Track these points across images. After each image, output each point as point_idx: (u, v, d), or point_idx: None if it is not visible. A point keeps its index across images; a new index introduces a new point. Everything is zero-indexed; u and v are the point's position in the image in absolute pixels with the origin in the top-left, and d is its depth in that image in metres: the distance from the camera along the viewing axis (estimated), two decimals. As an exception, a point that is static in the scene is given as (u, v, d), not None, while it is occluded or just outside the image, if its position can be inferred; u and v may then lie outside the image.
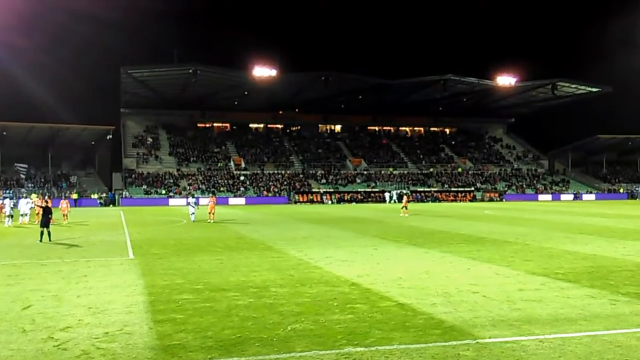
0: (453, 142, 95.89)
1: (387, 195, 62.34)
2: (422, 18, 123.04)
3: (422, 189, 77.80)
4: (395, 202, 55.85)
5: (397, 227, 29.57)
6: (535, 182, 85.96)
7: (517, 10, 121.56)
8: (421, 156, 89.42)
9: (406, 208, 40.80)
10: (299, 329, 9.09)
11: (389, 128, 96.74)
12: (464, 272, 14.64)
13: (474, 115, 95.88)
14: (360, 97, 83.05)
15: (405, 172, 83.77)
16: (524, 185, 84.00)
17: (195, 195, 48.21)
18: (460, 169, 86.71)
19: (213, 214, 33.60)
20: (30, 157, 73.89)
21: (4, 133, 67.74)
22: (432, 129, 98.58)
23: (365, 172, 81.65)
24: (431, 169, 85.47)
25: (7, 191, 60.75)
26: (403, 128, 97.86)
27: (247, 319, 9.69)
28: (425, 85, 79.42)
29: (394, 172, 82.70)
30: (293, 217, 39.61)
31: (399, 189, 74.03)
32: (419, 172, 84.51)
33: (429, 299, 11.22)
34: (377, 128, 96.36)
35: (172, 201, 65.90)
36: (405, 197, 43.95)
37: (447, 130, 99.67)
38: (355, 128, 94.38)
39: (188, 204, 34.04)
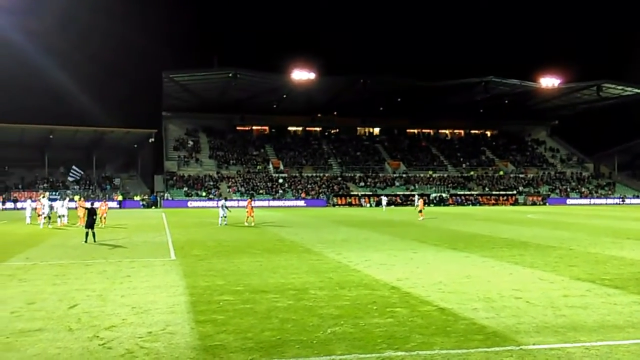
0: (494, 145, 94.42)
1: (383, 200, 60.20)
2: (462, 19, 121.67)
3: (462, 193, 76.83)
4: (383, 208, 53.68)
5: (437, 231, 29.24)
6: (579, 185, 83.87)
7: (562, 10, 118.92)
8: (461, 159, 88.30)
9: (421, 211, 40.43)
10: (339, 332, 9.07)
11: (428, 131, 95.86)
12: (506, 277, 14.37)
13: (516, 117, 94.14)
14: (399, 99, 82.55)
15: (445, 175, 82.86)
16: (568, 189, 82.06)
17: (228, 199, 48.68)
18: (501, 172, 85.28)
19: (252, 216, 33.81)
20: (76, 160, 75.93)
21: (51, 136, 69.84)
22: (472, 131, 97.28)
23: (404, 175, 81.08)
24: (472, 172, 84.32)
25: (54, 193, 62.57)
26: (443, 131, 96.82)
27: (286, 321, 9.72)
28: (465, 88, 78.46)
29: (434, 175, 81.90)
30: (331, 219, 39.61)
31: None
32: (459, 175, 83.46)
33: (471, 304, 11.05)
34: (416, 131, 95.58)
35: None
36: (420, 200, 43.46)
37: (488, 133, 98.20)
38: (394, 131, 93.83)
39: (219, 207, 34.14)
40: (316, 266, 16.18)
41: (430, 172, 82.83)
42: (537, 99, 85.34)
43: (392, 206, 68.43)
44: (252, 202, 36.35)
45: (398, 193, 74.32)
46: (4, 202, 61.55)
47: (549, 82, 76.45)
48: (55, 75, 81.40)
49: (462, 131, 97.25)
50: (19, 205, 60.53)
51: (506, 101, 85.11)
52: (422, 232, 28.21)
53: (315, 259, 17.68)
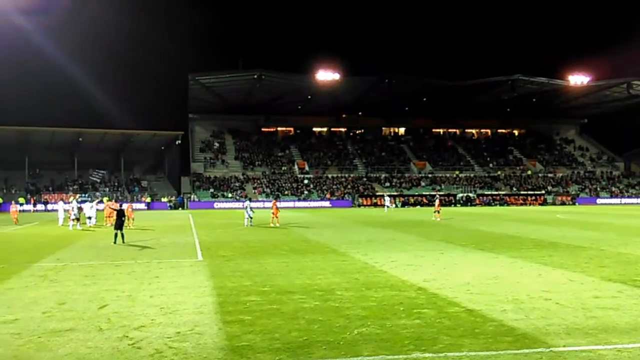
0: (522, 144, 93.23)
1: (387, 199, 56.29)
2: (488, 17, 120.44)
3: (489, 193, 76.00)
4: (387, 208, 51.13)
5: (464, 231, 28.98)
6: (610, 185, 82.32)
7: (589, 6, 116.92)
8: (488, 159, 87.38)
9: (438, 212, 40.15)
10: (366, 333, 9.05)
11: (454, 130, 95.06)
12: (535, 278, 14.17)
13: (544, 116, 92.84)
14: (424, 99, 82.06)
15: (472, 175, 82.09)
16: (598, 188, 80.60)
17: (252, 200, 49.00)
18: (529, 172, 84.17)
19: (277, 217, 34.00)
20: (104, 162, 77.17)
21: (80, 139, 71.11)
22: (499, 130, 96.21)
23: (430, 175, 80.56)
24: (499, 172, 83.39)
25: (83, 195, 63.64)
26: (469, 130, 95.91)
27: (313, 322, 9.73)
28: (492, 86, 77.65)
29: (460, 175, 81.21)
30: (357, 220, 39.54)
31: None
32: (486, 175, 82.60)
33: (499, 306, 10.93)
34: (442, 130, 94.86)
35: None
36: (437, 201, 43.11)
37: (516, 132, 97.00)
38: (419, 131, 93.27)
39: (245, 207, 34.40)
40: (342, 267, 16.16)
41: (457, 172, 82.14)
42: (565, 97, 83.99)
43: (418, 206, 68.04)
44: (277, 203, 36.50)
45: (424, 193, 73.84)
46: (35, 204, 62.79)
47: (577, 80, 75.18)
48: (83, 80, 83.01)
49: (489, 130, 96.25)
50: (49, 207, 61.74)
51: (534, 100, 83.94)
52: (449, 233, 27.99)
53: (341, 260, 17.66)
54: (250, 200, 40.52)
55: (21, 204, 62.06)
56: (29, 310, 10.74)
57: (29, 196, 65.74)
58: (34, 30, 76.75)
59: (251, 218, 33.58)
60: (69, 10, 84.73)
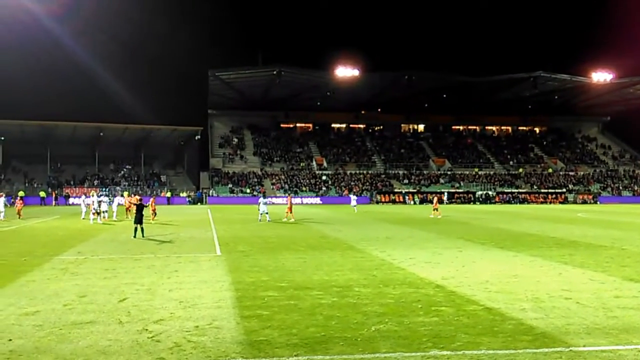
0: (543, 142, 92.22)
1: (352, 199, 47.31)
2: (510, 12, 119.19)
3: (509, 190, 75.32)
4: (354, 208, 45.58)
5: (483, 229, 28.77)
6: (632, 183, 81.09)
7: (613, 2, 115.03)
8: (509, 156, 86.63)
9: (437, 210, 39.97)
10: (383, 329, 9.03)
11: (474, 127, 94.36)
12: (555, 277, 14.02)
13: (566, 113, 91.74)
14: (444, 95, 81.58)
15: (492, 172, 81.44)
16: (621, 187, 79.44)
17: (267, 195, 49.37)
18: (550, 170, 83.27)
19: (292, 213, 34.60)
20: (125, 156, 77.91)
21: (101, 134, 71.89)
22: (520, 128, 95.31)
23: (449, 173, 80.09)
24: (519, 170, 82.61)
25: (103, 189, 64.35)
26: (489, 127, 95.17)
27: (331, 318, 9.74)
28: (513, 83, 76.96)
29: (480, 173, 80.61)
30: (375, 217, 39.45)
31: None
32: (506, 172, 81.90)
33: (518, 304, 10.83)
34: (461, 127, 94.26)
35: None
36: (435, 198, 42.94)
37: (537, 129, 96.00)
38: (439, 127, 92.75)
39: (259, 203, 34.64)
40: (360, 263, 16.14)
41: (476, 170, 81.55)
42: (588, 94, 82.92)
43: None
44: (292, 199, 36.83)
45: (443, 190, 73.44)
46: (56, 198, 63.65)
47: (600, 77, 74.14)
48: (103, 76, 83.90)
49: (509, 128, 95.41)
50: (70, 201, 62.56)
51: (556, 97, 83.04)
52: (468, 230, 27.80)
53: (359, 256, 17.64)
54: (264, 196, 40.81)
55: (42, 197, 63.12)
56: (50, 303, 10.89)
57: (50, 190, 66.61)
58: (57, 27, 77.86)
59: (266, 213, 33.47)
60: (91, 7, 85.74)
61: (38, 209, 51.25)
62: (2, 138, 71.34)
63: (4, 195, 32.75)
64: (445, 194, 69.95)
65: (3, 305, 10.67)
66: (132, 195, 36.97)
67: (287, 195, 42.51)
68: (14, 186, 66.86)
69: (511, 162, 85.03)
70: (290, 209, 34.85)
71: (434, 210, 40.07)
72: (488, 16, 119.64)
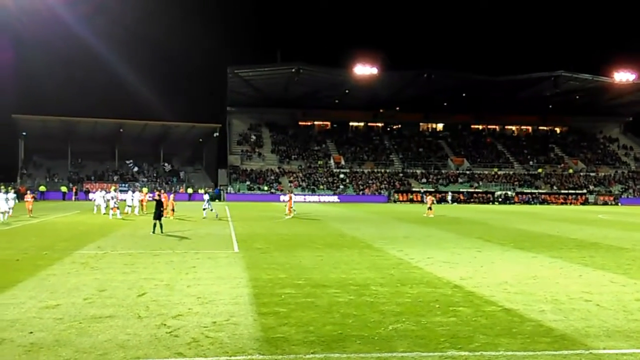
0: (564, 142, 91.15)
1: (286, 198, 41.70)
2: (531, 11, 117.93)
3: (529, 191, 74.60)
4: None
5: (503, 230, 28.55)
6: (655, 185, 79.83)
7: (636, 1, 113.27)
8: (528, 156, 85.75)
9: (430, 209, 39.91)
10: (401, 329, 9.00)
11: (493, 127, 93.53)
12: (575, 278, 13.87)
13: (587, 113, 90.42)
14: (463, 94, 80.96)
15: (511, 172, 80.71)
16: (642, 189, 78.27)
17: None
18: (571, 170, 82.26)
19: (292, 209, 35.95)
20: (144, 153, 78.55)
21: (121, 130, 72.55)
22: (540, 127, 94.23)
23: (467, 172, 79.54)
24: (539, 170, 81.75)
25: (123, 185, 64.99)
26: (509, 127, 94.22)
27: (347, 316, 9.73)
28: (533, 83, 76.13)
29: (499, 173, 79.93)
30: (393, 216, 39.34)
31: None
32: (526, 172, 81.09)
33: (538, 306, 10.74)
34: (481, 127, 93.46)
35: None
36: (429, 198, 42.91)
37: (557, 129, 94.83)
38: (457, 126, 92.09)
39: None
40: (377, 262, 16.11)
41: (495, 169, 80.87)
42: (610, 94, 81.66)
43: (455, 203, 67.36)
44: (293, 197, 38.52)
45: (462, 190, 73.00)
46: (77, 193, 64.40)
47: (623, 77, 73.05)
48: (124, 72, 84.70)
49: (529, 127, 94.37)
50: (90, 196, 63.24)
51: (577, 97, 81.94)
52: (487, 231, 27.61)
53: (376, 255, 17.60)
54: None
55: (63, 192, 63.94)
56: (70, 296, 11.03)
57: (70, 185, 67.44)
58: (78, 24, 78.71)
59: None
60: (112, 5, 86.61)
61: (59, 204, 51.91)
62: (24, 133, 72.30)
63: (11, 190, 32.82)
64: (450, 194, 69.74)
65: (24, 298, 10.83)
66: (161, 191, 37.10)
67: (289, 193, 42.76)
68: (35, 181, 67.84)
69: (531, 162, 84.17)
70: (290, 205, 36.26)
71: (427, 209, 40.01)
72: (509, 14, 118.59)
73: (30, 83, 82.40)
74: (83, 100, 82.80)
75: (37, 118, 69.07)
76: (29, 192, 37.59)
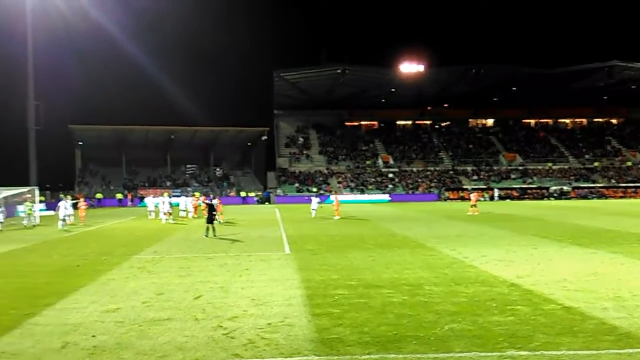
0: (621, 134, 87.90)
1: (314, 201, 37.74)
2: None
3: (585, 185, 72.28)
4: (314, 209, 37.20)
5: (559, 226, 27.75)
6: None
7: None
8: (584, 150, 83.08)
9: (475, 206, 38.61)
10: (457, 328, 8.86)
11: (546, 120, 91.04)
12: (638, 274, 13.37)
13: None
14: (514, 88, 79.21)
15: (566, 167, 78.40)
16: None
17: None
18: (629, 163, 79.21)
19: (338, 210, 35.56)
20: (195, 158, 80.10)
21: (172, 137, 74.25)
22: (595, 119, 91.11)
23: (520, 168, 77.71)
24: (595, 163, 79.08)
25: (176, 190, 66.47)
26: (562, 120, 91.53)
27: (402, 317, 9.64)
28: (586, 74, 73.79)
29: (553, 167, 77.76)
30: (444, 214, 38.80)
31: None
32: (582, 166, 78.60)
33: (599, 303, 10.38)
34: (533, 121, 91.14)
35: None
36: (474, 195, 41.66)
37: (614, 121, 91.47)
38: (508, 122, 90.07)
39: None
40: (430, 262, 15.91)
41: (550, 164, 78.71)
42: (669, 82, 78.39)
43: (508, 199, 65.97)
44: (337, 196, 37.93)
45: (514, 186, 71.39)
46: (132, 199, 66.24)
47: (681, 63, 69.98)
48: (172, 82, 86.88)
49: (584, 120, 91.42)
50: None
51: (633, 86, 78.92)
52: (542, 227, 26.90)
53: (429, 254, 17.40)
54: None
55: (118, 199, 65.92)
56: (129, 300, 11.33)
57: (125, 192, 69.44)
58: (129, 40, 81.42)
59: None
60: (157, 15, 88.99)
61: (115, 210, 53.52)
62: (81, 143, 74.87)
63: (69, 198, 33.88)
64: (496, 191, 68.21)
65: (86, 302, 11.19)
66: (216, 197, 37.77)
67: (332, 193, 42.91)
68: (92, 188, 70.17)
69: (586, 156, 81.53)
70: (337, 207, 35.80)
71: (471, 207, 38.87)
72: (558, 4, 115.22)
73: (85, 96, 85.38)
74: (135, 111, 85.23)
75: (92, 128, 71.48)
76: (81, 199, 38.56)
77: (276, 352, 7.84)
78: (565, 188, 70.88)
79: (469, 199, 42.92)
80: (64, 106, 76.31)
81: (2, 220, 30.86)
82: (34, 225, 32.72)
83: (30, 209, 33.09)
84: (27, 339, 8.70)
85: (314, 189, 71.22)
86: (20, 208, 33.01)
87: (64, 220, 29.92)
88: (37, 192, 37.71)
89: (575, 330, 8.69)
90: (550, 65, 73.85)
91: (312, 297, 11.33)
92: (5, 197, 34.44)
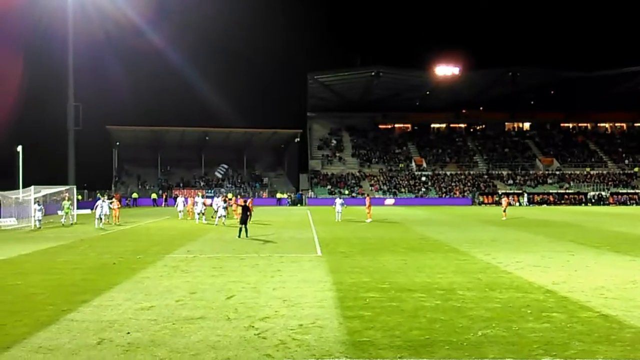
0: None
1: (337, 202, 36.60)
2: (621, 1, 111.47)
3: (624, 191, 70.52)
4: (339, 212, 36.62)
5: (597, 232, 27.12)
6: None
7: None
8: (623, 155, 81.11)
9: (505, 211, 38.39)
10: (490, 334, 8.72)
11: (585, 125, 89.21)
12: (680, 284, 12.94)
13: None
14: (551, 92, 77.85)
15: (605, 172, 76.64)
16: None
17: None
18: (671, 169, 77.07)
19: (370, 213, 35.20)
20: (229, 159, 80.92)
21: (207, 138, 75.13)
22: (636, 124, 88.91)
23: (557, 172, 76.28)
24: (636, 169, 77.11)
25: (209, 191, 67.22)
26: (602, 124, 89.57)
27: (434, 321, 9.54)
28: (627, 77, 72.12)
29: (591, 172, 76.11)
30: (478, 219, 38.32)
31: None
32: (621, 172, 76.73)
33: (638, 312, 10.11)
34: (571, 125, 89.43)
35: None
36: (505, 200, 41.09)
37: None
38: (545, 125, 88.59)
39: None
40: (463, 266, 15.72)
41: (588, 169, 77.07)
42: None
43: (544, 204, 64.75)
44: (369, 199, 37.64)
45: (551, 191, 70.07)
46: (166, 199, 67.24)
47: None
48: (207, 84, 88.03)
49: (624, 124, 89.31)
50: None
51: (675, 90, 76.84)
52: (580, 233, 26.32)
53: (462, 259, 17.19)
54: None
55: (153, 199, 66.98)
56: (163, 298, 11.49)
57: (160, 192, 70.54)
58: (165, 43, 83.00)
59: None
60: (193, 18, 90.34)
61: (150, 210, 54.40)
62: (118, 143, 76.36)
63: (105, 198, 34.42)
64: (525, 195, 66.91)
65: (122, 300, 11.39)
66: (244, 197, 38.11)
67: (367, 196, 42.53)
68: (128, 188, 71.50)
69: (626, 161, 79.58)
70: (369, 209, 35.48)
71: (503, 211, 38.70)
72: (597, 6, 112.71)
73: (122, 96, 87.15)
74: (170, 113, 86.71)
75: (128, 128, 72.89)
76: (114, 199, 38.95)
77: (307, 354, 7.84)
78: (603, 194, 69.29)
79: (511, 204, 42.41)
80: (102, 107, 78.11)
81: (40, 218, 31.64)
82: (71, 224, 33.48)
83: (68, 208, 33.84)
84: (64, 335, 8.89)
85: (346, 192, 71.16)
86: (64, 204, 33.72)
87: (100, 219, 30.53)
88: (75, 191, 38.57)
89: (612, 338, 8.47)
90: (590, 68, 72.22)
91: (344, 299, 11.30)
92: (44, 196, 35.34)
